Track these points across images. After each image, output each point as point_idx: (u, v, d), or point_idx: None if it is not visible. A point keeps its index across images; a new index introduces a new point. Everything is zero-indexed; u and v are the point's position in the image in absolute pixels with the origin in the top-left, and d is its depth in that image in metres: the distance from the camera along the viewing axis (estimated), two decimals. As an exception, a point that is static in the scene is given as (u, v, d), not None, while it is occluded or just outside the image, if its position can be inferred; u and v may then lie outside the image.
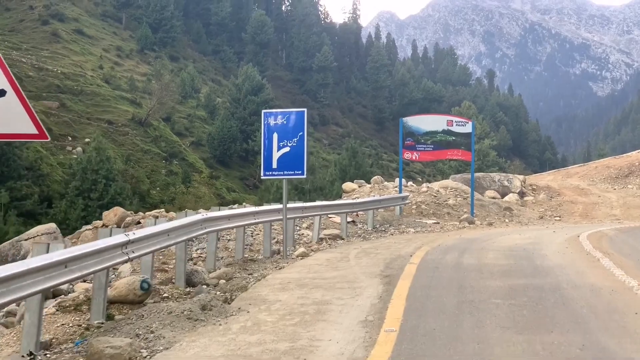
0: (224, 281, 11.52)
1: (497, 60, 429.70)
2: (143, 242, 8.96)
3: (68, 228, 38.31)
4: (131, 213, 19.97)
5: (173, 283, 11.27)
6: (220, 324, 7.91)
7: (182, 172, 70.92)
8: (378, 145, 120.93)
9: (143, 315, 8.12)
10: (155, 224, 10.31)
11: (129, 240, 8.44)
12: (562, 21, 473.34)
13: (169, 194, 66.02)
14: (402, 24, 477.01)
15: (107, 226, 18.97)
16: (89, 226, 19.52)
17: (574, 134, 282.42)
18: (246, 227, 15.16)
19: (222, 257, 15.27)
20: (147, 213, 20.80)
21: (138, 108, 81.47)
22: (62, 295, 11.40)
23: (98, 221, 19.80)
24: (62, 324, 8.31)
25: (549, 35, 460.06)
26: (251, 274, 12.23)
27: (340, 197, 30.16)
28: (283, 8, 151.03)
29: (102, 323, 8.21)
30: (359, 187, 30.25)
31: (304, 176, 14.38)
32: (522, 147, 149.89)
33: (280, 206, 15.13)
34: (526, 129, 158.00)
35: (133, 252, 8.60)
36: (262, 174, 14.36)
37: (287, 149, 13.95)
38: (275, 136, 14.01)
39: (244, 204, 23.95)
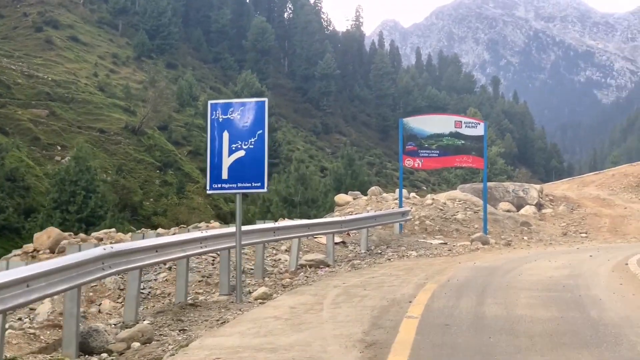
0: (137, 344, 7.84)
1: (501, 68, 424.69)
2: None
3: (42, 245, 34.97)
4: (69, 235, 16.36)
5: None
6: None
7: (177, 182, 67.86)
8: (382, 154, 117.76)
9: None
10: (7, 268, 6.60)
11: None
12: (566, 29, 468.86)
13: (161, 205, 63.06)
14: (405, 32, 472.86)
15: (38, 251, 15.45)
16: (18, 251, 15.92)
17: (580, 141, 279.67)
18: (193, 257, 11.51)
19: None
20: (94, 234, 17.15)
21: (132, 116, 78.20)
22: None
23: (29, 244, 16.17)
24: None
25: (553, 43, 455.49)
26: (183, 330, 8.54)
27: (332, 211, 26.41)
28: (285, 15, 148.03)
29: None
30: (354, 199, 26.29)
31: (265, 190, 10.60)
32: (528, 155, 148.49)
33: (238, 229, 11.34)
34: (532, 136, 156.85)
35: None
36: (207, 188, 10.58)
37: (241, 153, 10.21)
38: (225, 135, 10.30)
39: (202, 222, 20.14)
